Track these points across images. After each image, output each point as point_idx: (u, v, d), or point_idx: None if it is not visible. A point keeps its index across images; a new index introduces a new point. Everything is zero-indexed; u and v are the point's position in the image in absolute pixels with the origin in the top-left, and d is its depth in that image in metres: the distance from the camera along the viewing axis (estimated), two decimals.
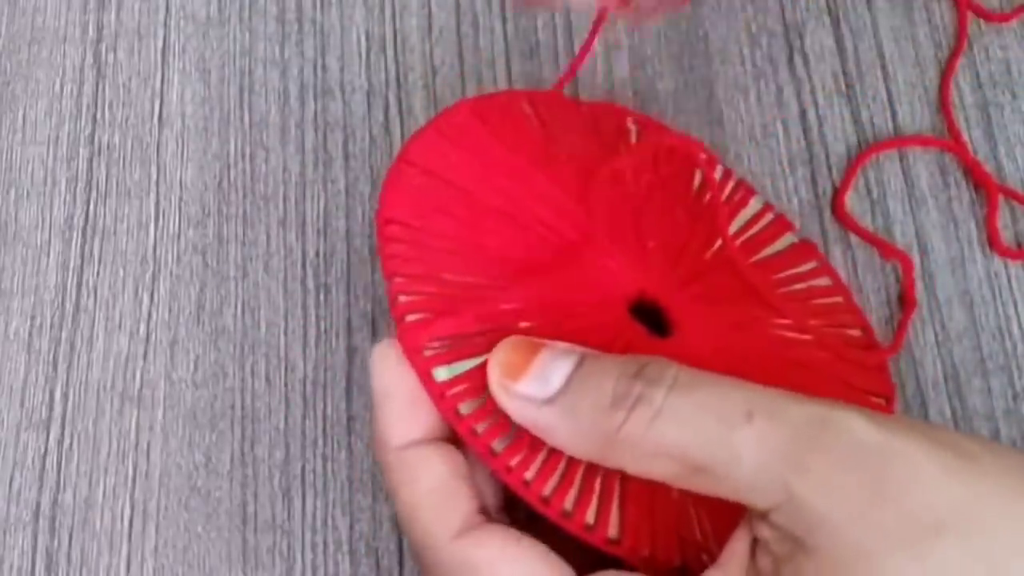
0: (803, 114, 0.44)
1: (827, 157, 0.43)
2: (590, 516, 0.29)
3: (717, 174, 0.40)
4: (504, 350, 0.29)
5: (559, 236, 0.35)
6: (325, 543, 0.38)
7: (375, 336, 0.41)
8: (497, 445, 0.29)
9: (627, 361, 0.27)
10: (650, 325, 0.35)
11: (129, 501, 0.39)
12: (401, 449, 0.29)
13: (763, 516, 0.26)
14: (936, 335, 0.40)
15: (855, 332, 0.39)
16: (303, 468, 0.39)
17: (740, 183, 0.40)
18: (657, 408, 0.26)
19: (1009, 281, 0.41)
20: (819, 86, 0.45)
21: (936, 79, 0.45)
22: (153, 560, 0.38)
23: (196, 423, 0.40)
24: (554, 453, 0.30)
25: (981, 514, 0.25)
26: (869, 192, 0.43)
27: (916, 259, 0.42)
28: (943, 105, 0.44)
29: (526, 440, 0.30)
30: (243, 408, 0.40)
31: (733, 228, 0.39)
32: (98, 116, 0.45)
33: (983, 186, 0.43)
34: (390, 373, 0.29)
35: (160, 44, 0.46)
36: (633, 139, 0.39)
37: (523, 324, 0.31)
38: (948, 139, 0.44)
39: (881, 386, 0.38)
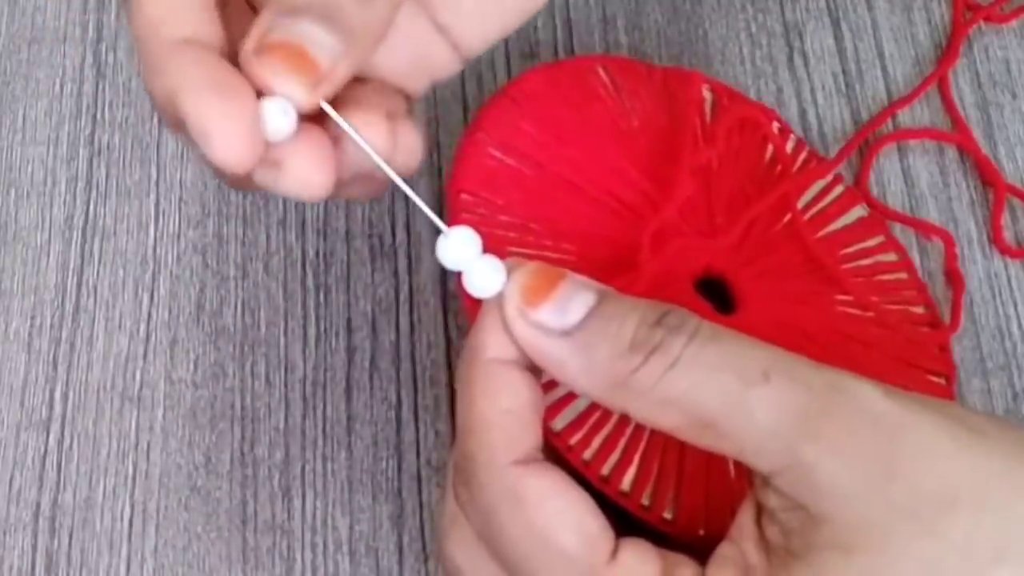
0: (803, 114, 0.44)
1: (827, 157, 0.43)
2: (646, 497, 0.30)
3: (789, 144, 0.40)
4: (525, 275, 0.27)
5: (628, 209, 0.35)
6: (325, 543, 0.38)
7: (375, 336, 0.41)
8: (557, 424, 0.30)
9: (649, 306, 0.27)
10: (715, 299, 0.35)
11: (129, 501, 0.39)
12: (492, 361, 0.28)
13: (768, 483, 0.26)
14: None
15: (918, 309, 0.39)
16: (303, 468, 0.39)
17: (812, 153, 0.40)
18: (674, 358, 0.26)
19: (1009, 281, 0.41)
20: (819, 86, 0.45)
21: (936, 79, 0.45)
22: (153, 560, 0.38)
23: (196, 423, 0.40)
24: (613, 433, 0.30)
25: (992, 489, 0.25)
26: (869, 192, 0.43)
27: (916, 259, 0.42)
28: (946, 102, 0.44)
29: (586, 420, 0.30)
30: (243, 408, 0.40)
31: (803, 201, 0.38)
32: (98, 116, 0.45)
33: (990, 183, 0.43)
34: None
35: None
36: (708, 108, 0.39)
37: None
38: (955, 134, 0.44)
39: (941, 365, 0.38)
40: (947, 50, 0.45)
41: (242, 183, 0.30)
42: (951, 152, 0.44)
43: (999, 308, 0.41)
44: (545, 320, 0.27)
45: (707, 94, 0.39)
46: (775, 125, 0.39)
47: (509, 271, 0.28)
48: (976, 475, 0.25)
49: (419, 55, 0.32)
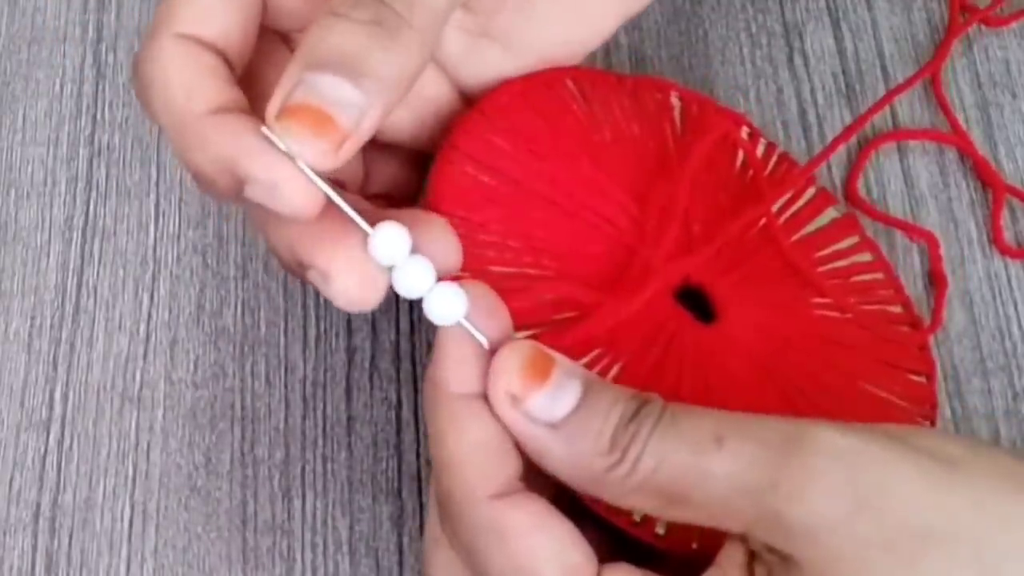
0: (803, 114, 0.44)
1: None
2: (638, 513, 0.30)
3: (760, 148, 0.40)
4: (518, 357, 0.28)
5: (605, 221, 0.35)
6: (325, 543, 0.38)
7: (375, 336, 0.41)
8: None
9: (628, 400, 0.27)
10: (695, 310, 0.35)
11: (129, 502, 0.39)
12: (456, 397, 0.28)
13: (747, 535, 0.26)
14: (936, 335, 0.40)
15: (896, 308, 0.39)
16: (303, 468, 0.39)
17: (783, 156, 0.40)
18: (642, 448, 0.26)
19: (1009, 281, 0.41)
20: (819, 86, 0.45)
21: (922, 78, 0.45)
22: (153, 560, 0.38)
23: (196, 423, 0.40)
24: None
25: (966, 519, 0.25)
26: (869, 192, 0.43)
27: (915, 260, 0.42)
28: (940, 103, 0.44)
29: None
30: (243, 408, 0.40)
31: (776, 205, 0.38)
32: (98, 116, 0.45)
33: (989, 184, 0.43)
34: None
35: None
36: (677, 115, 0.39)
37: (567, 315, 0.31)
38: (951, 135, 0.44)
39: (921, 364, 0.38)
40: (937, 51, 0.45)
41: (300, 271, 0.30)
42: (951, 153, 0.44)
43: (999, 308, 0.41)
44: (538, 411, 0.27)
45: (675, 102, 0.39)
46: (744, 130, 0.39)
47: (495, 342, 0.28)
48: (946, 507, 0.25)
49: (436, 114, 0.33)
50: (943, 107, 0.44)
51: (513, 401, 0.27)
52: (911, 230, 0.42)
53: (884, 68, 0.45)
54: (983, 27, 0.46)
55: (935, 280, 0.41)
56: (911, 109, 0.44)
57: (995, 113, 0.44)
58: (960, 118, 0.44)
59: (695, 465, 0.26)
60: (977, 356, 0.40)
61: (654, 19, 0.46)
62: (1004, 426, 0.39)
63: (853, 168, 0.43)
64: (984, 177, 0.43)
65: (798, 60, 0.45)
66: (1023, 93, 0.45)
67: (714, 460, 0.26)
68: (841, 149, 0.43)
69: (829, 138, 0.44)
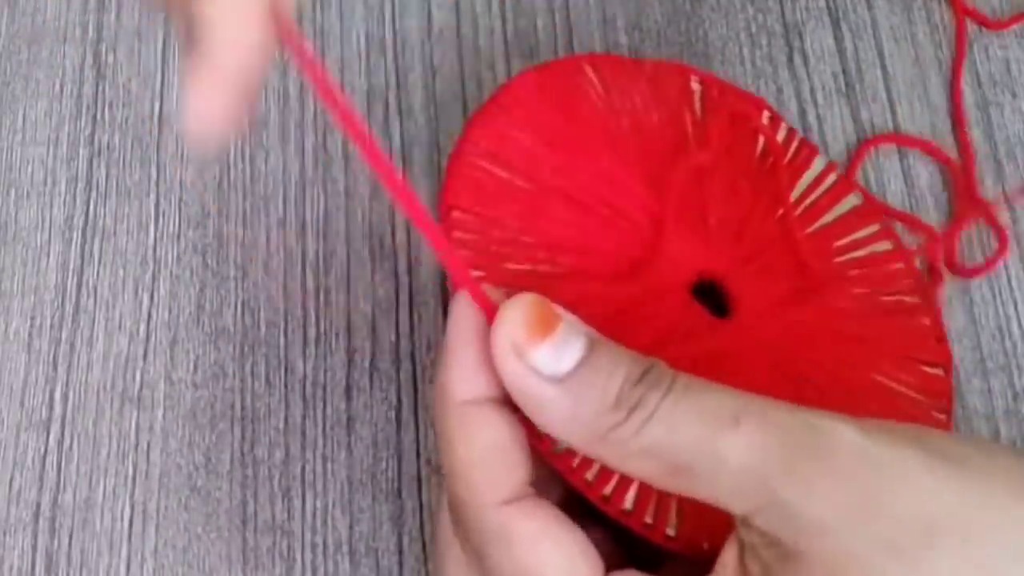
0: (803, 114, 0.44)
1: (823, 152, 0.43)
2: (649, 515, 0.30)
3: (780, 134, 0.39)
4: (524, 310, 0.27)
5: (621, 216, 0.35)
6: (325, 543, 0.38)
7: (375, 336, 0.41)
8: (559, 446, 0.29)
9: (634, 362, 0.27)
10: (712, 304, 0.35)
11: (129, 502, 0.39)
12: (464, 403, 0.27)
13: (747, 522, 0.26)
14: None
15: (914, 299, 0.38)
16: (303, 468, 0.39)
17: (803, 142, 0.40)
18: (650, 412, 0.26)
19: (1009, 281, 0.41)
20: (819, 86, 0.45)
21: (936, 79, 0.45)
22: (153, 560, 0.38)
23: (196, 423, 0.40)
24: None
25: (974, 520, 0.25)
26: (869, 191, 0.43)
27: (916, 259, 0.42)
28: (957, 120, 0.44)
29: None
30: (243, 408, 0.40)
31: (796, 192, 0.38)
32: (98, 116, 0.45)
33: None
34: (468, 324, 0.28)
35: (160, 44, 0.46)
36: (697, 100, 0.38)
37: (582, 312, 0.31)
38: (956, 158, 0.43)
39: (938, 356, 0.38)
40: (954, 66, 0.45)
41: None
42: (951, 152, 0.44)
43: (999, 308, 0.41)
44: (541, 364, 0.26)
45: (696, 86, 0.39)
46: (765, 115, 0.39)
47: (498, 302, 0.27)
48: (955, 506, 0.25)
49: None
50: (959, 121, 0.44)
51: (517, 353, 0.27)
52: (913, 224, 0.42)
53: (884, 68, 0.45)
54: (983, 28, 0.46)
55: (931, 275, 0.41)
56: (911, 109, 0.44)
57: (995, 113, 0.44)
58: (963, 118, 0.44)
59: (709, 439, 0.25)
60: (977, 356, 0.40)
61: (654, 19, 0.46)
62: (1004, 426, 0.39)
63: (852, 168, 0.43)
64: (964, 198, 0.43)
65: (798, 60, 0.45)
66: (1023, 93, 0.45)
67: (729, 438, 0.25)
68: (841, 149, 0.43)
69: (829, 138, 0.44)
